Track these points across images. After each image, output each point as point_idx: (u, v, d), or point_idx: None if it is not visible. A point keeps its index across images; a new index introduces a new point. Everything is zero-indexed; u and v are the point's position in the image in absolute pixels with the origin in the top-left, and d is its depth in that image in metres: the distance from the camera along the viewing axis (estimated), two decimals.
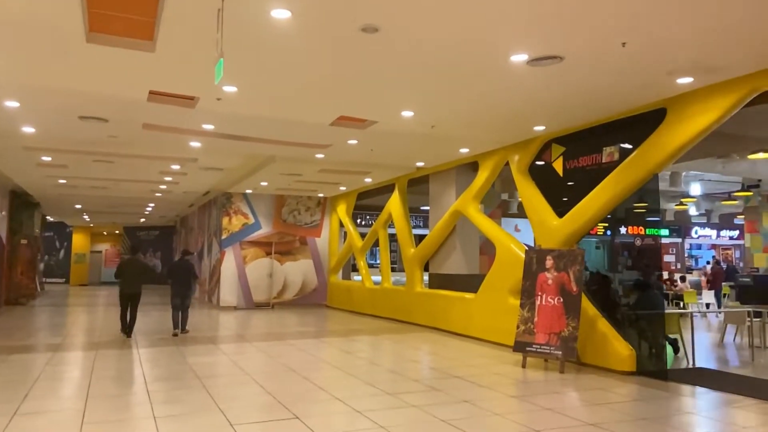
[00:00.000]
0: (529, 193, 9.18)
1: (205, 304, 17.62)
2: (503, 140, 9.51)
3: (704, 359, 8.37)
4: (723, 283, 16.23)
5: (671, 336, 8.43)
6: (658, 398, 6.06)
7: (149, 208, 22.24)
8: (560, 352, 7.43)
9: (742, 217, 21.55)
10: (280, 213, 17.29)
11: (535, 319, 7.86)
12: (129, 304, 10.37)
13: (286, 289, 17.09)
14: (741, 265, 24.97)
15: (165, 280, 11.43)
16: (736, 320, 9.53)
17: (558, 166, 8.75)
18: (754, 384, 6.66)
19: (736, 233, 26.57)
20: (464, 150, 10.37)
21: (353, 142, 9.72)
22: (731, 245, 27.34)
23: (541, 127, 8.52)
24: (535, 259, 8.16)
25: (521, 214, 20.35)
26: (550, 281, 7.89)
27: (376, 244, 14.89)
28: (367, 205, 17.77)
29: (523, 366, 7.63)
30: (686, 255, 26.23)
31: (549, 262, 7.95)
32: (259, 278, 16.66)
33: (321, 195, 17.42)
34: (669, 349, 8.10)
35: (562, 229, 8.33)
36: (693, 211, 20.83)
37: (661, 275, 15.11)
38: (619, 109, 7.48)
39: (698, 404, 5.89)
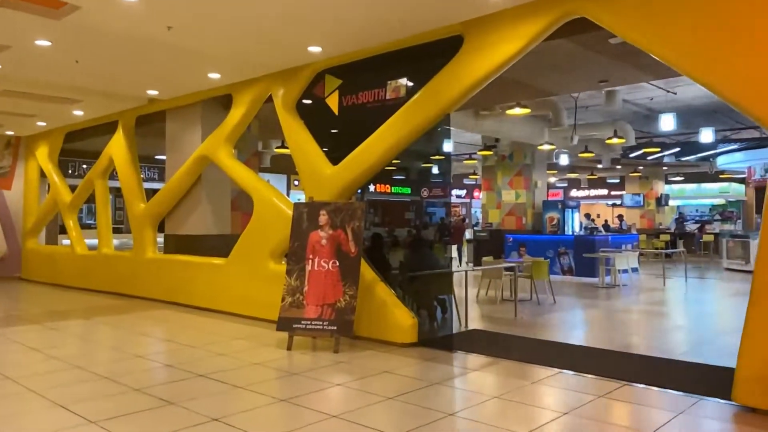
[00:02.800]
0: (297, 135, 7.49)
1: None
2: (267, 65, 7.54)
3: (471, 319, 8.01)
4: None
5: (440, 296, 7.90)
6: (454, 377, 5.20)
7: None
8: (335, 327, 6.08)
9: (475, 177, 23.61)
10: None
11: (305, 288, 6.33)
12: None
13: None
14: (467, 221, 27.94)
15: None
16: (493, 275, 9.57)
17: (333, 102, 7.23)
18: (531, 346, 6.37)
19: (463, 192, 29.62)
20: (214, 75, 8.07)
21: (44, 43, 6.60)
22: (459, 203, 30.42)
23: (317, 48, 6.80)
24: (306, 214, 6.56)
25: (274, 168, 18.92)
26: (324, 241, 6.40)
27: (93, 199, 11.61)
28: (79, 150, 14.28)
29: (289, 348, 6.10)
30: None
31: (323, 218, 6.44)
32: None
33: (10, 133, 13.01)
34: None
35: (337, 178, 6.90)
36: (435, 170, 21.90)
37: (446, 231, 15.19)
38: (411, 31, 6.23)
39: (499, 382, 5.10)
